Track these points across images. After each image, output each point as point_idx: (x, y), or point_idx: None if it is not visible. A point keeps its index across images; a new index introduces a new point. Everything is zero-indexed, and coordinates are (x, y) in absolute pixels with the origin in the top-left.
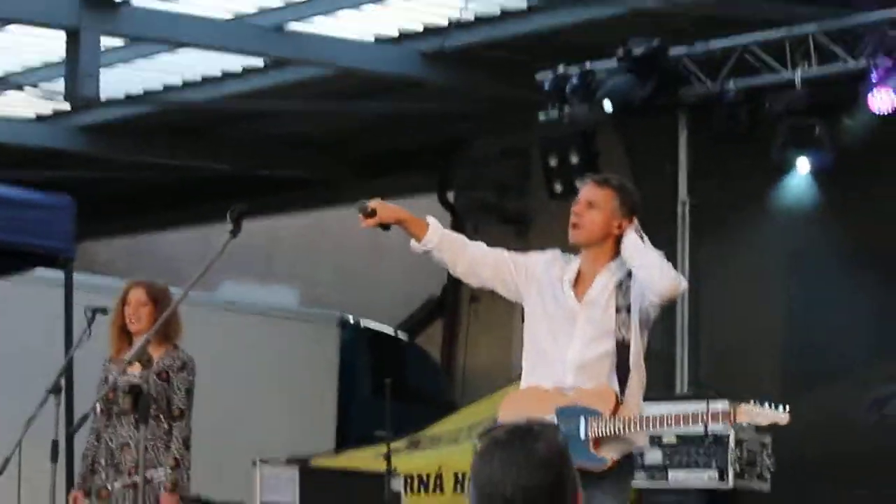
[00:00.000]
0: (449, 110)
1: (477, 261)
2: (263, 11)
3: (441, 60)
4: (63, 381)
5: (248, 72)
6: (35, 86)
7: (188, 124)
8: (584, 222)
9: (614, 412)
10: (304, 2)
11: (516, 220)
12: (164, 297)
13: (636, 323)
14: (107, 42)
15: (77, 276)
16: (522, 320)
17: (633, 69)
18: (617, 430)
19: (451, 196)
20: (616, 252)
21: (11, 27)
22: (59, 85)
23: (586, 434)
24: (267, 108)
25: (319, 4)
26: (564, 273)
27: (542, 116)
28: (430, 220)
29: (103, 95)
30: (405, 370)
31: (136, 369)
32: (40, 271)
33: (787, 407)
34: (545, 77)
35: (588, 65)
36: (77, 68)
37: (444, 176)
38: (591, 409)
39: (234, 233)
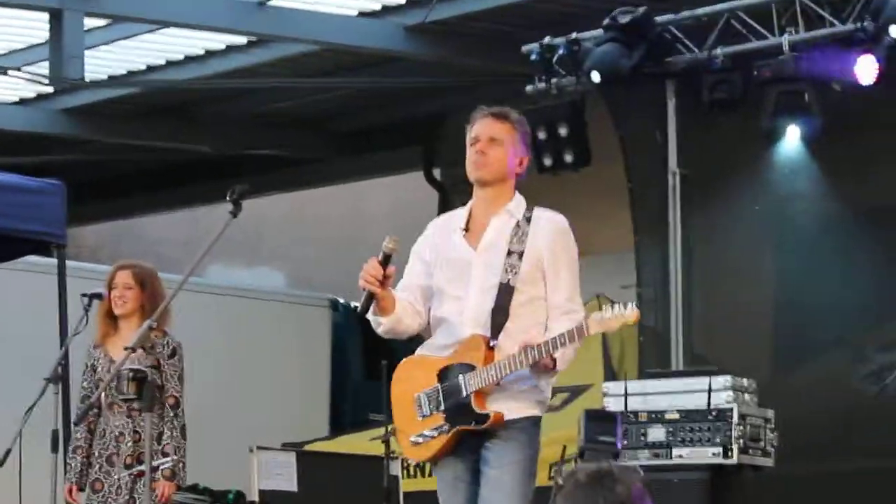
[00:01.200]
0: (434, 84)
1: (418, 312)
2: None
3: (424, 34)
4: (60, 370)
5: (231, 49)
6: (18, 69)
7: (172, 105)
8: (489, 160)
9: (486, 360)
10: None
11: None
12: (150, 279)
13: (528, 270)
14: (88, 23)
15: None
16: None
17: (619, 38)
18: (490, 378)
19: (437, 172)
20: (514, 189)
21: None
22: (43, 67)
23: (467, 392)
24: (251, 85)
25: None
26: (453, 224)
27: (529, 88)
28: (397, 296)
29: (86, 77)
30: (399, 352)
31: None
32: (30, 258)
33: (635, 304)
34: (531, 48)
35: (574, 35)
36: (61, 50)
37: (430, 152)
38: (467, 364)
39: (235, 213)
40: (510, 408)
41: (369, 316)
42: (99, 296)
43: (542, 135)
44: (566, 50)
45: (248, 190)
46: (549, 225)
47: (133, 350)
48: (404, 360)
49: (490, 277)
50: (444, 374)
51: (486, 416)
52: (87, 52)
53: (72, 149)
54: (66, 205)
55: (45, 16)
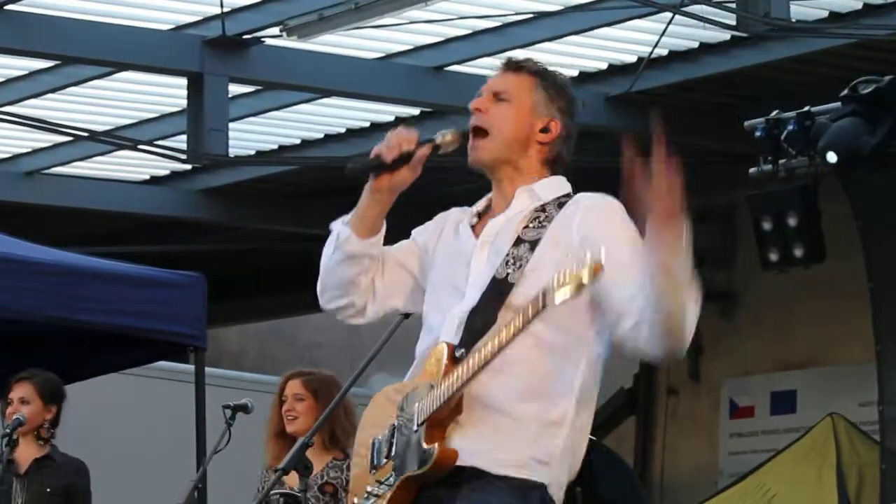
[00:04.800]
0: (638, 164)
1: (369, 283)
2: (418, 49)
3: (629, 105)
4: (197, 495)
5: (400, 122)
6: (150, 143)
7: (332, 185)
8: (490, 121)
9: (445, 374)
10: (466, 35)
11: (721, 294)
12: (327, 389)
13: (543, 265)
14: (233, 89)
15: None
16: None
17: (860, 112)
18: (441, 396)
19: None
20: (547, 169)
21: (123, 74)
22: (179, 141)
23: (418, 423)
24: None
25: (484, 42)
26: (467, 213)
27: (752, 171)
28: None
29: (230, 153)
30: (594, 477)
31: (294, 480)
32: (164, 363)
33: (600, 255)
34: (755, 124)
35: (807, 108)
36: (201, 121)
37: None
38: (427, 384)
39: (406, 314)
40: (489, 455)
41: (335, 225)
42: (244, 408)
43: (767, 225)
44: (797, 126)
45: None
46: (590, 203)
47: (284, 472)
48: (377, 393)
49: (489, 273)
50: (406, 403)
51: (428, 454)
52: (231, 124)
53: (212, 236)
54: (205, 301)
55: (183, 81)
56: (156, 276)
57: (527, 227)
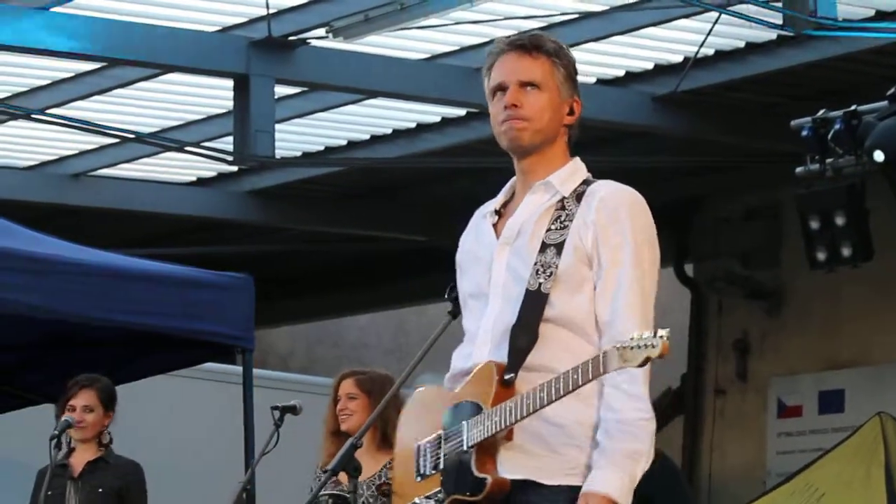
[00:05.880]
0: (686, 164)
1: None
2: (463, 50)
3: (675, 105)
4: (245, 497)
5: (446, 122)
6: (197, 144)
7: (378, 186)
8: (526, 113)
9: (496, 400)
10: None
11: (767, 294)
12: (379, 387)
13: (569, 269)
14: (279, 91)
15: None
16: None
17: None
18: (494, 425)
19: (689, 268)
20: (568, 152)
21: (169, 76)
22: (225, 143)
23: (468, 445)
24: (470, 164)
25: None
26: (489, 207)
27: (799, 170)
28: None
29: (276, 155)
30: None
31: (345, 479)
32: (211, 364)
33: (665, 333)
34: (802, 123)
35: (853, 107)
36: (248, 122)
37: (682, 243)
38: (473, 403)
39: (455, 314)
40: (540, 468)
41: None
42: (293, 409)
43: (814, 224)
44: (843, 125)
45: None
46: (608, 196)
47: (333, 473)
48: (416, 391)
49: (516, 281)
50: (448, 418)
51: (482, 483)
52: (277, 125)
53: (259, 238)
54: (253, 302)
55: (229, 82)
56: (203, 278)
57: (549, 229)
